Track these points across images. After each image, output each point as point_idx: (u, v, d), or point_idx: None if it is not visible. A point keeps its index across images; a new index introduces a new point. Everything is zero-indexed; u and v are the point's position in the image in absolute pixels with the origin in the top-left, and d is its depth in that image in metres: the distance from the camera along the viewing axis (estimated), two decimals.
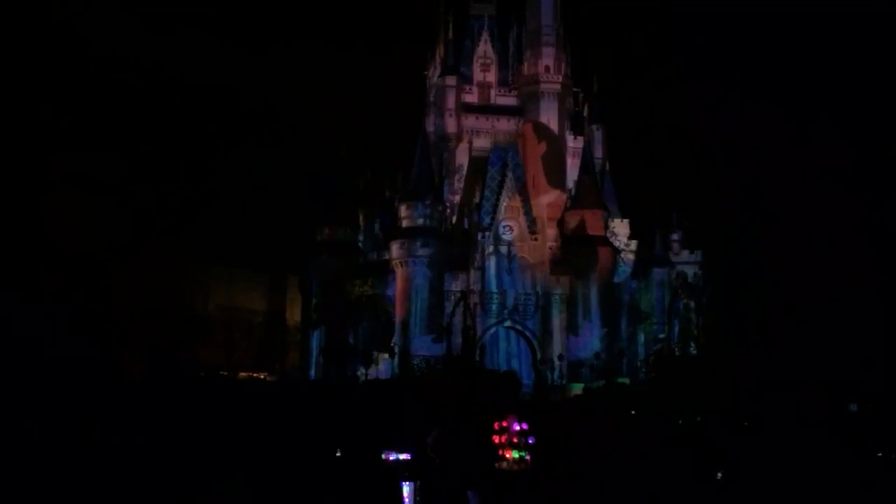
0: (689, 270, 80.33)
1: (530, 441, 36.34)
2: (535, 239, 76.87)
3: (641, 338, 79.03)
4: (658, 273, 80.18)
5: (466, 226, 79.26)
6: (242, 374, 75.32)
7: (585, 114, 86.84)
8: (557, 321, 76.44)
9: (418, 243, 75.39)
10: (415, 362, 69.14)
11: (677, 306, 77.92)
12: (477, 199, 78.52)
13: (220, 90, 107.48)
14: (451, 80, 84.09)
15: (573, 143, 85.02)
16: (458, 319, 69.77)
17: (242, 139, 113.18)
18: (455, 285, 74.94)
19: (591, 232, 76.90)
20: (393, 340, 74.31)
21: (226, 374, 70.10)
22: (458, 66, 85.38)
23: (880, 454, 41.03)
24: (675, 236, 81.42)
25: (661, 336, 77.64)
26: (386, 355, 74.05)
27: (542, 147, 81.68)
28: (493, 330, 75.90)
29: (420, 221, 76.48)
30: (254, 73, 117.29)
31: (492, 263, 75.72)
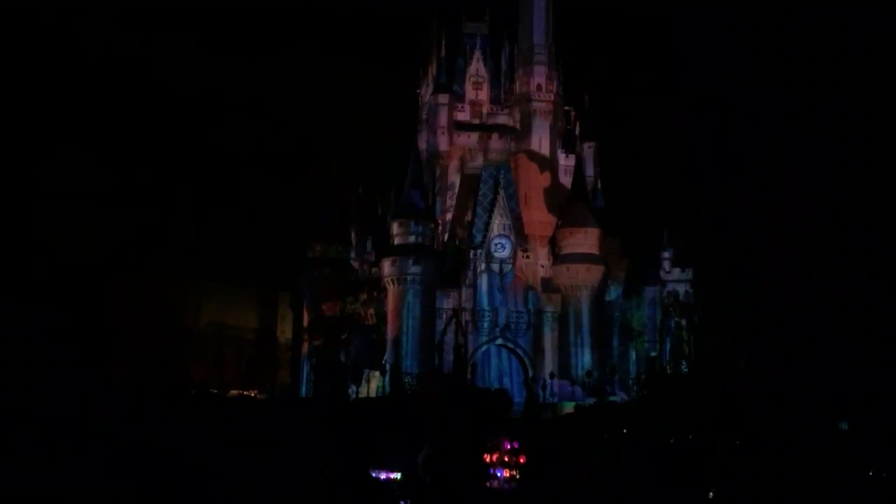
0: (681, 288, 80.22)
1: (521, 460, 36.28)
2: (527, 257, 76.90)
3: (633, 355, 78.88)
4: (649, 291, 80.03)
5: (458, 243, 79.22)
6: (233, 392, 75.12)
7: (577, 131, 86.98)
8: (549, 339, 76.39)
9: (410, 261, 75.27)
10: (406, 380, 68.88)
11: (669, 324, 77.86)
12: (469, 217, 78.48)
13: (212, 109, 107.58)
14: (443, 98, 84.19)
15: (565, 160, 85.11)
16: (449, 337, 69.54)
17: (234, 157, 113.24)
18: (447, 303, 74.86)
19: (582, 250, 76.93)
20: (384, 358, 74.11)
21: (216, 390, 69.89)
22: (451, 84, 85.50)
23: (871, 472, 41.02)
24: (666, 254, 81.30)
25: (653, 354, 77.52)
26: (377, 373, 73.82)
27: (534, 165, 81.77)
28: (484, 348, 75.75)
29: (412, 239, 76.38)
30: (246, 90, 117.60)
31: (483, 281, 75.65)
